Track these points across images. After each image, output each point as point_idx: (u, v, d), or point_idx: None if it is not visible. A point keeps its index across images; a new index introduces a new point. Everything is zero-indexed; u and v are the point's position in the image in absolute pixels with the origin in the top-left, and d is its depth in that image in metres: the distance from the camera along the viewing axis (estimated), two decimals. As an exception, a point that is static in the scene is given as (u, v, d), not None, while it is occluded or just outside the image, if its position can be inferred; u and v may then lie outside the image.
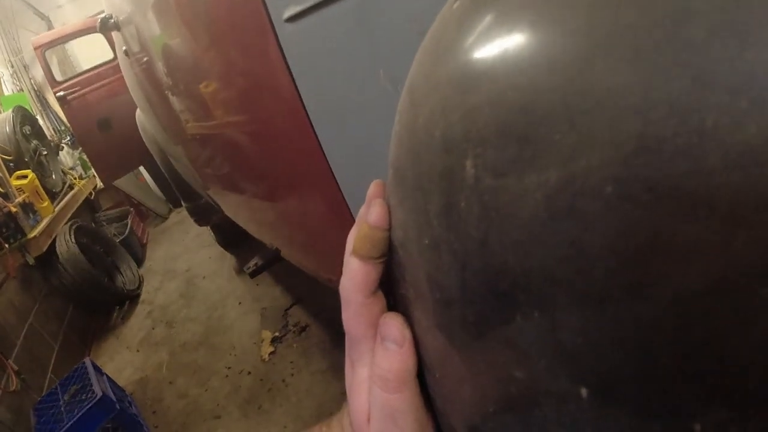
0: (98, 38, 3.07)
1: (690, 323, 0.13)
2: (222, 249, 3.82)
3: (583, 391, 0.16)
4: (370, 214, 0.25)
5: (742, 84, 0.12)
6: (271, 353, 2.48)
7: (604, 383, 0.15)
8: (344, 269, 0.27)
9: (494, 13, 0.18)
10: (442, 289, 0.21)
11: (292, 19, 0.66)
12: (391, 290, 0.27)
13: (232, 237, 3.52)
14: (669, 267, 0.13)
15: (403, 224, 0.23)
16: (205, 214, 3.17)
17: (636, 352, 0.14)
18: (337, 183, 0.81)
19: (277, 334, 2.60)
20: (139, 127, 2.72)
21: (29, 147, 4.00)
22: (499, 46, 0.17)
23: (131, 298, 3.81)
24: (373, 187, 0.27)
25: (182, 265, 4.10)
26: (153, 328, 3.31)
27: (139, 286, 3.95)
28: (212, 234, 3.79)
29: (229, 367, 2.55)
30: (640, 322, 0.14)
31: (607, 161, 0.14)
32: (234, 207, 1.70)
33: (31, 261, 3.15)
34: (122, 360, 3.09)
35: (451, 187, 0.19)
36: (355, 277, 0.26)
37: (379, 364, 0.25)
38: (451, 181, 0.19)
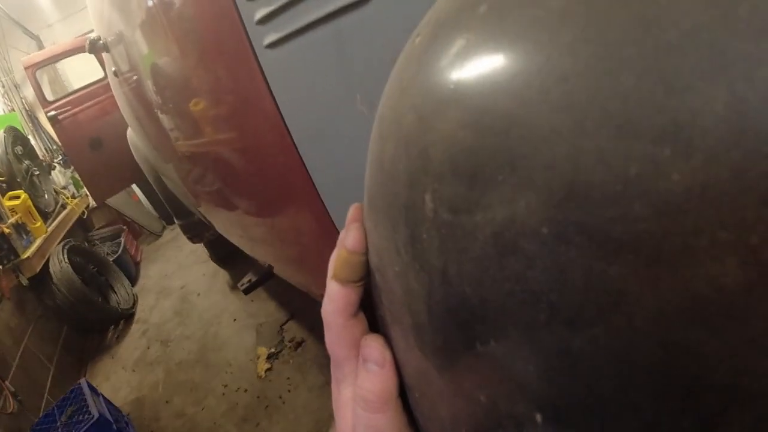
0: (89, 56, 3.08)
1: (623, 358, 0.14)
2: (216, 265, 3.80)
3: (538, 417, 0.17)
4: (347, 238, 0.26)
5: (665, 132, 0.12)
6: (268, 370, 2.46)
7: (556, 409, 0.16)
8: (326, 293, 0.27)
9: (449, 52, 0.18)
10: (413, 315, 0.21)
11: (272, 45, 0.67)
12: (372, 311, 0.27)
13: (225, 253, 3.51)
14: (601, 305, 0.14)
15: (378, 249, 0.24)
16: (198, 231, 3.15)
17: (579, 382, 0.15)
18: (321, 200, 0.82)
19: (273, 350, 2.58)
20: (130, 146, 2.72)
21: (21, 167, 4.00)
22: (452, 85, 0.18)
23: (126, 317, 3.78)
24: (352, 211, 0.28)
25: (176, 283, 4.08)
26: (148, 347, 3.28)
27: (134, 305, 3.92)
28: (206, 251, 3.77)
29: (226, 385, 2.52)
30: (579, 354, 0.15)
31: (543, 204, 0.14)
32: (225, 224, 1.69)
33: (24, 282, 3.13)
34: (118, 380, 3.06)
35: (414, 219, 0.19)
36: (335, 301, 0.26)
37: (361, 385, 0.25)
38: (414, 213, 0.19)
